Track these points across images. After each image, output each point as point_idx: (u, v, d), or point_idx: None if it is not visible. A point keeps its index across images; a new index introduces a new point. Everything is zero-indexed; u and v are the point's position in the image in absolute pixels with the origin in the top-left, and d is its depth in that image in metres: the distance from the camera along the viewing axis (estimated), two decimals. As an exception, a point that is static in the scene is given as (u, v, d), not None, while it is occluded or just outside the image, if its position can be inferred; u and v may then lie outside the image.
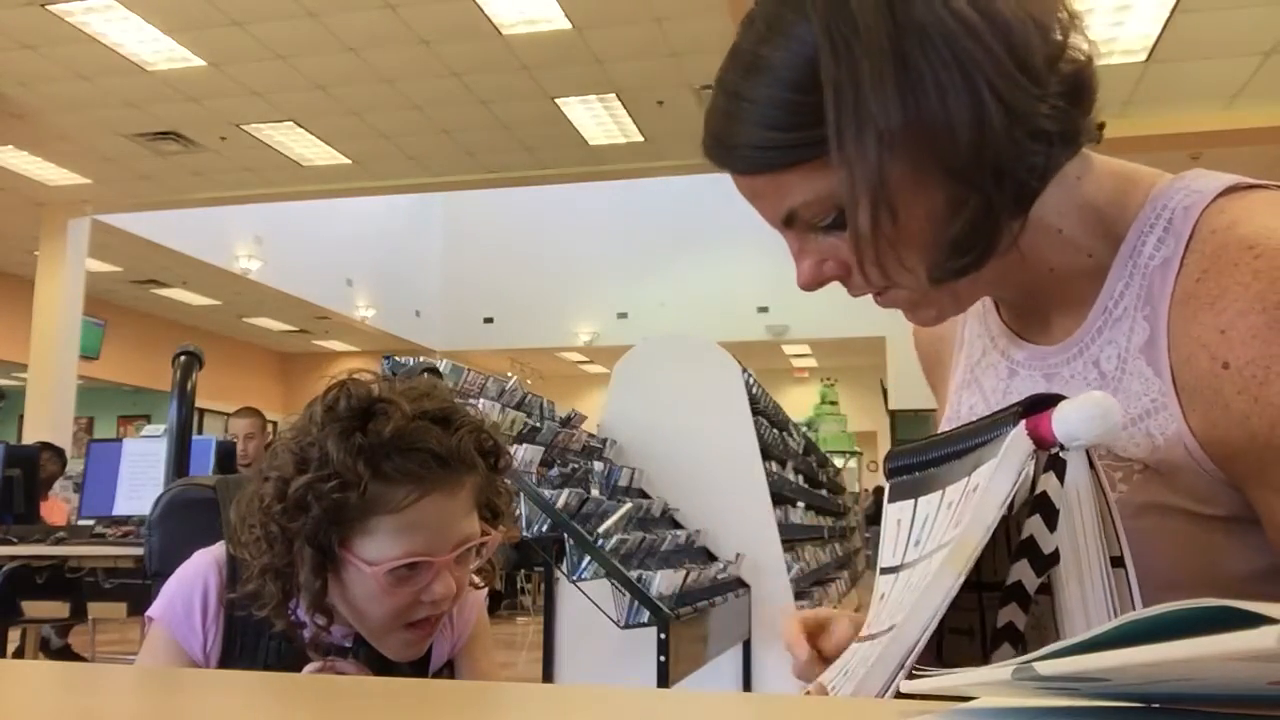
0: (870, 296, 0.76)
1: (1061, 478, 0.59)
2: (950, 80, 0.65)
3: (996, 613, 0.63)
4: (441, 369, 2.91)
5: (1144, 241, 0.72)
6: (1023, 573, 0.61)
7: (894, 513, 0.74)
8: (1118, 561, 0.61)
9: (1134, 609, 0.60)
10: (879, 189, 0.66)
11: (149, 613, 1.12)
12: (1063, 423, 0.58)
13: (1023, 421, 0.60)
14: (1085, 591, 0.60)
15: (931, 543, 0.64)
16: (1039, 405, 0.60)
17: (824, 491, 6.47)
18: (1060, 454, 0.59)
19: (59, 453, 6.86)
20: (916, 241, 0.70)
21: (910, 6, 0.65)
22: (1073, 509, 0.60)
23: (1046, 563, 0.61)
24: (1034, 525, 0.60)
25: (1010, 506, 0.60)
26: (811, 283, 0.74)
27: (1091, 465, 0.61)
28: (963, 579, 0.58)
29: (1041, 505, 0.60)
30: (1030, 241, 0.73)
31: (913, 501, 0.71)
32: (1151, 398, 0.70)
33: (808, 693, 0.72)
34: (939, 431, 0.74)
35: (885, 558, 0.73)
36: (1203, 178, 0.73)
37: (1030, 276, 0.76)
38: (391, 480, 0.99)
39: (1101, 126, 0.73)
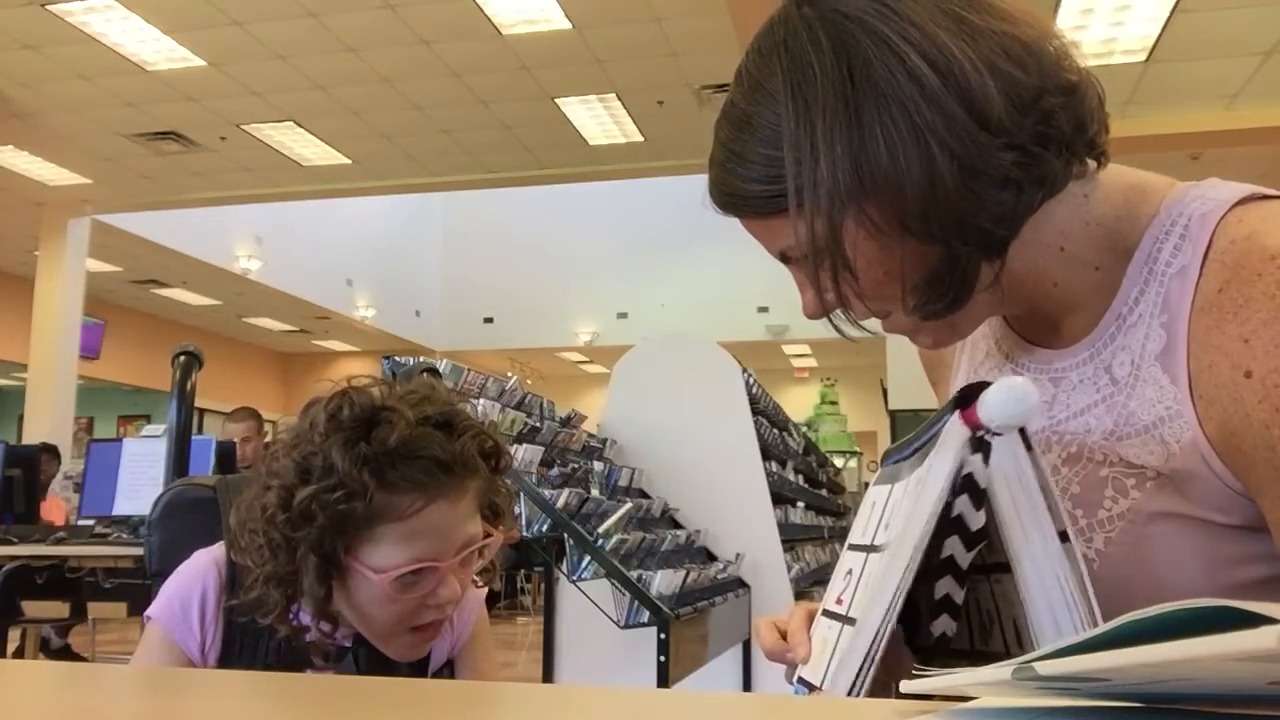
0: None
1: (987, 459, 0.62)
2: (902, 141, 0.67)
3: (934, 585, 0.66)
4: (441, 369, 2.91)
5: (1159, 248, 0.72)
6: (954, 548, 0.64)
7: (872, 495, 0.77)
8: (1064, 536, 0.62)
9: (1085, 581, 0.61)
10: (833, 246, 0.69)
11: (148, 612, 1.12)
12: (985, 408, 0.61)
13: (957, 410, 0.63)
14: (1039, 567, 0.61)
15: (893, 529, 0.67)
16: (974, 394, 0.63)
17: (824, 491, 6.47)
18: (986, 437, 0.62)
19: (55, 453, 6.85)
20: (883, 290, 0.72)
21: (869, 68, 0.67)
22: (1012, 489, 0.62)
23: (975, 538, 0.63)
24: (962, 504, 0.62)
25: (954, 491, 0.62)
26: (815, 314, 0.77)
27: (1030, 448, 0.63)
28: (913, 570, 0.60)
29: (968, 485, 0.62)
30: (1030, 262, 0.74)
31: (889, 486, 0.74)
32: (1166, 405, 0.70)
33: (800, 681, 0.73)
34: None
35: (855, 535, 0.75)
36: (1217, 186, 0.73)
37: (1032, 293, 0.76)
38: (397, 489, 0.99)
39: (1102, 154, 0.74)
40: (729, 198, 0.75)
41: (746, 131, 0.72)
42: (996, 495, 0.62)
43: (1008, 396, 0.60)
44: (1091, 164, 0.74)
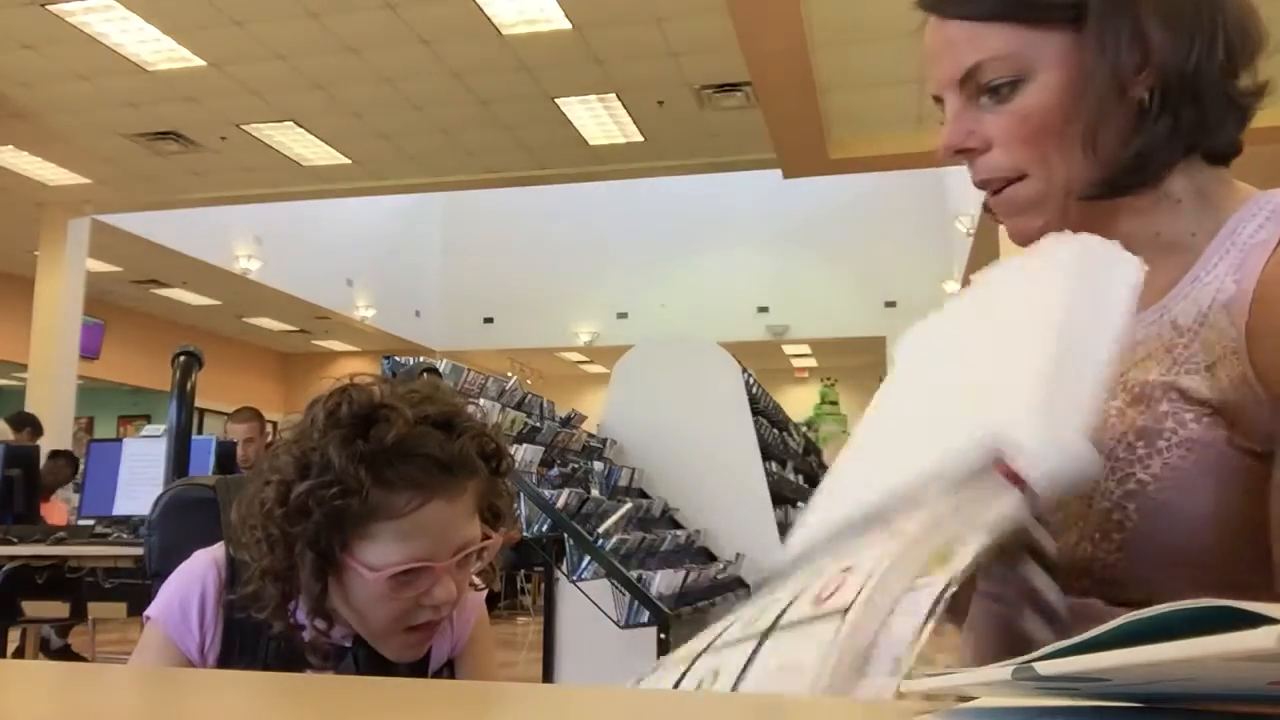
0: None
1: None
2: (1203, 8, 0.74)
3: None
4: (441, 369, 2.91)
5: (1244, 226, 0.77)
6: None
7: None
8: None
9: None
10: (1115, 74, 0.74)
11: (147, 612, 1.12)
12: (1035, 465, 0.52)
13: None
14: None
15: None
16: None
17: (824, 491, 6.46)
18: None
19: (71, 460, 6.63)
20: (1108, 136, 0.76)
21: None
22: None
23: None
24: None
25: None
26: (949, 149, 0.80)
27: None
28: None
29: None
30: (1152, 202, 0.79)
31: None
32: (1225, 346, 0.74)
33: None
34: None
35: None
36: None
37: (1138, 236, 0.80)
38: (394, 487, 0.99)
39: (1238, 150, 0.81)
40: None
41: None
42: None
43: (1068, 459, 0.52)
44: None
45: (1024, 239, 0.82)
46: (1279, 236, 0.75)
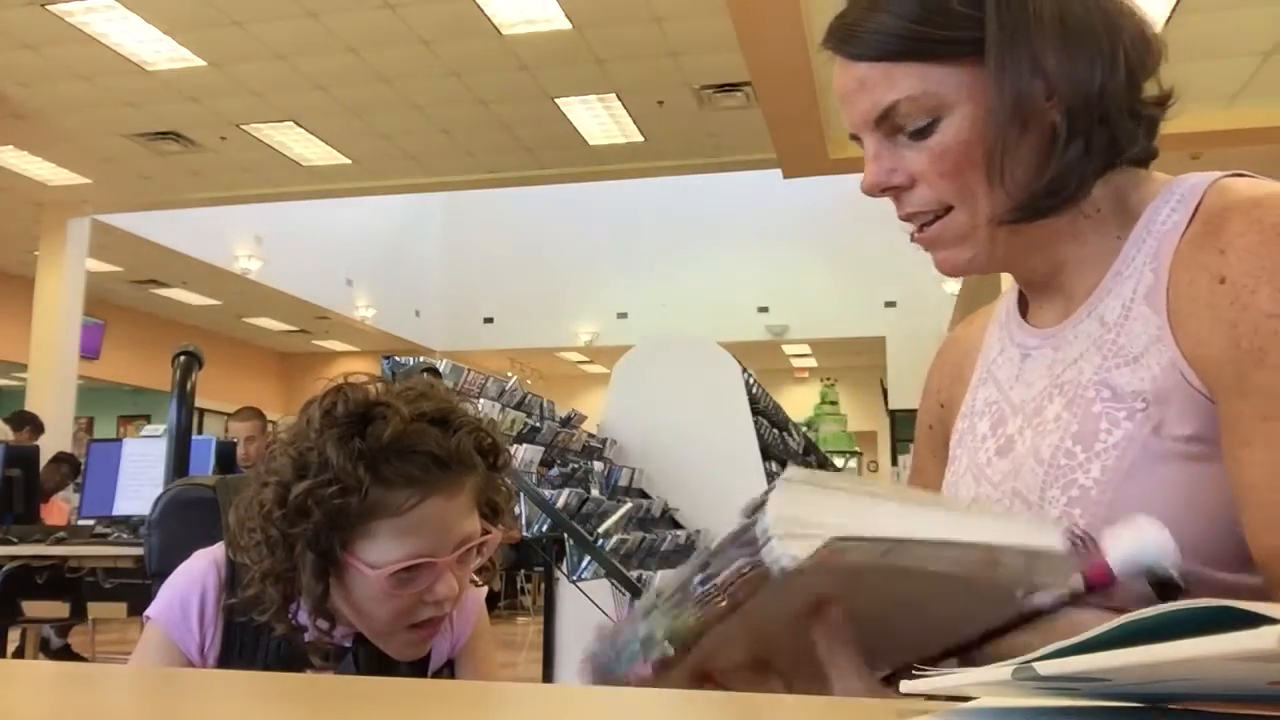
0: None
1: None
2: (1101, 31, 0.76)
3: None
4: (441, 369, 2.91)
5: (1158, 214, 0.79)
6: None
7: None
8: None
9: None
10: (1018, 104, 0.74)
11: (147, 612, 1.12)
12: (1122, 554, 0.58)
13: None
14: None
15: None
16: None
17: (824, 491, 6.45)
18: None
19: (73, 464, 6.57)
20: (1017, 165, 0.76)
21: None
22: None
23: None
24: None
25: None
26: (875, 187, 0.80)
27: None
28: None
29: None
30: (1071, 220, 0.80)
31: None
32: (1150, 335, 0.75)
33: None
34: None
35: None
36: (1210, 172, 0.81)
37: (1064, 250, 0.82)
38: (392, 484, 0.99)
39: (1155, 155, 0.82)
40: (869, 34, 0.77)
41: None
42: None
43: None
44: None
45: (953, 270, 0.83)
46: (1188, 218, 0.76)
